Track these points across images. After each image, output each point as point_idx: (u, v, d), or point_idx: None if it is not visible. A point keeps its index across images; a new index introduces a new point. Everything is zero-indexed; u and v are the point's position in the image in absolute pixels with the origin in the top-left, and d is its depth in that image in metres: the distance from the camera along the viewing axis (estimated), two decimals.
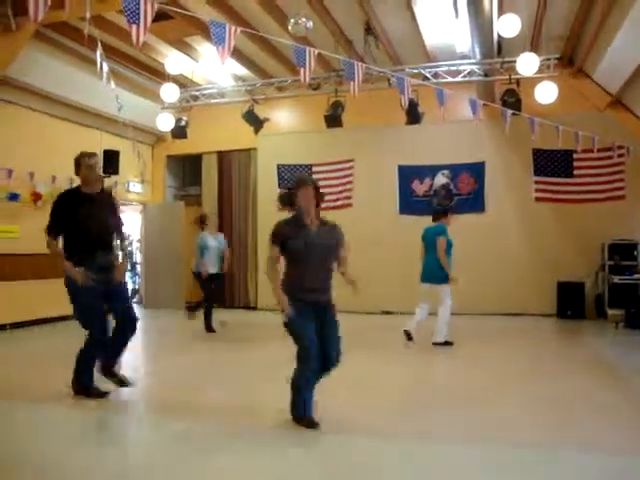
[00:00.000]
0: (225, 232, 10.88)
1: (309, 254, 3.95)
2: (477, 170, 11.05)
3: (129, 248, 5.37)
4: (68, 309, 4.92)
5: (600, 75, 9.96)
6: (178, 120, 11.05)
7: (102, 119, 10.67)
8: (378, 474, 3.35)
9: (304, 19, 7.96)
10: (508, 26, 7.59)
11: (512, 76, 9.10)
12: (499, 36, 8.37)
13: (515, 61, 8.36)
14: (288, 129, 12.24)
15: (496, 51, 9.19)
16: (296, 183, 4.06)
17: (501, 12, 7.85)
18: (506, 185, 10.90)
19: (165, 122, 10.79)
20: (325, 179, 11.82)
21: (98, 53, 5.74)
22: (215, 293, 8.90)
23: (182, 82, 11.12)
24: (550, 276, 10.33)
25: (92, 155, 4.89)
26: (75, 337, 5.00)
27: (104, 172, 11.11)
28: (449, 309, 7.40)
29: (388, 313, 10.69)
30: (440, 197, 11.19)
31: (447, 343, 7.38)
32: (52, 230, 4.80)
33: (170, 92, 9.82)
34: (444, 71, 9.80)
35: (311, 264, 3.97)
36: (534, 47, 9.34)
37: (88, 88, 9.88)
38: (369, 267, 9.50)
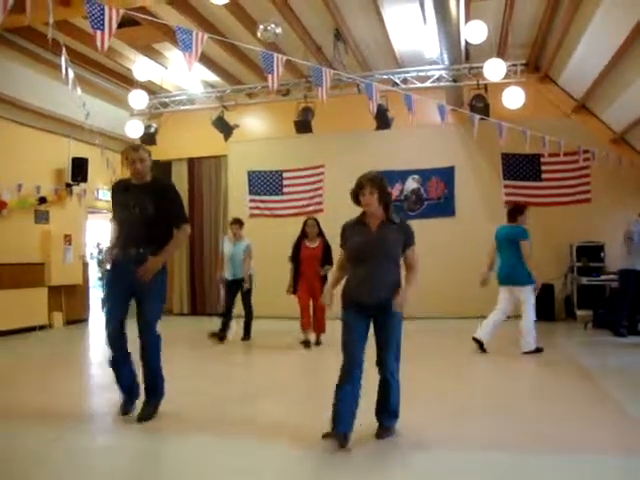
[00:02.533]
0: (196, 239, 10.82)
1: (366, 254, 3.87)
2: (447, 175, 11.16)
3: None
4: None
5: (565, 81, 10.17)
6: (147, 127, 10.95)
7: (70, 126, 10.51)
8: None
9: (273, 25, 7.96)
10: (475, 32, 7.71)
11: (480, 81, 9.22)
12: (467, 42, 8.49)
13: (482, 67, 8.48)
14: (258, 135, 12.22)
15: (464, 57, 9.32)
16: (356, 184, 3.94)
17: (468, 19, 7.96)
18: (476, 189, 11.02)
19: (134, 129, 10.69)
20: (295, 185, 11.86)
21: (63, 59, 5.66)
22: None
23: (151, 89, 11.03)
24: None
25: (135, 148, 4.54)
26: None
27: (72, 180, 11.06)
28: (533, 313, 7.10)
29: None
30: (410, 202, 11.28)
31: (538, 350, 7.03)
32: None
33: (139, 99, 9.74)
34: (413, 77, 9.88)
35: (366, 264, 3.85)
36: (501, 53, 9.46)
37: (55, 95, 9.71)
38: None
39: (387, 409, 3.94)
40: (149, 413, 4.38)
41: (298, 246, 7.82)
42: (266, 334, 8.97)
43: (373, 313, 3.83)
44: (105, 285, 4.61)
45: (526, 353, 6.96)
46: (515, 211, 7.42)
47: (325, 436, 3.72)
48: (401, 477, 3.40)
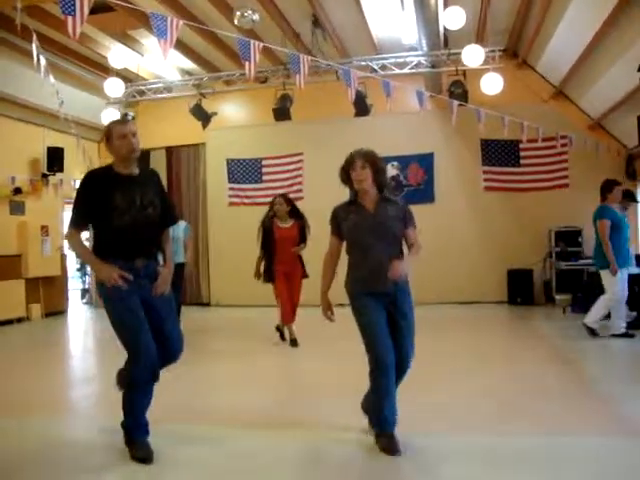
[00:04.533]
0: None
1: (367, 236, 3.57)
2: (426, 161, 11.18)
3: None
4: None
5: (543, 67, 10.22)
6: (124, 115, 10.76)
7: (44, 115, 10.29)
8: None
9: (250, 11, 7.89)
10: (453, 19, 7.70)
11: (458, 68, 9.21)
12: (445, 28, 8.48)
13: (461, 53, 8.47)
14: (237, 123, 12.12)
15: (442, 43, 9.30)
16: (346, 160, 3.66)
17: (446, 5, 7.94)
18: (455, 175, 11.05)
19: (110, 118, 10.46)
20: (275, 172, 11.82)
21: (34, 45, 5.53)
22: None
23: (127, 76, 10.86)
24: (501, 264, 10.56)
25: (125, 121, 3.69)
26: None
27: (48, 169, 10.89)
28: (612, 299, 6.72)
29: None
30: (390, 188, 11.22)
31: (592, 332, 6.88)
32: (76, 221, 3.54)
33: (115, 87, 9.57)
34: (391, 63, 9.84)
35: (369, 247, 3.55)
36: (479, 39, 9.47)
37: (28, 83, 9.49)
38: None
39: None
40: None
41: (270, 229, 7.04)
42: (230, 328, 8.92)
43: (388, 301, 3.53)
44: (115, 310, 3.45)
45: (613, 336, 6.83)
46: (604, 189, 6.93)
47: (377, 442, 3.47)
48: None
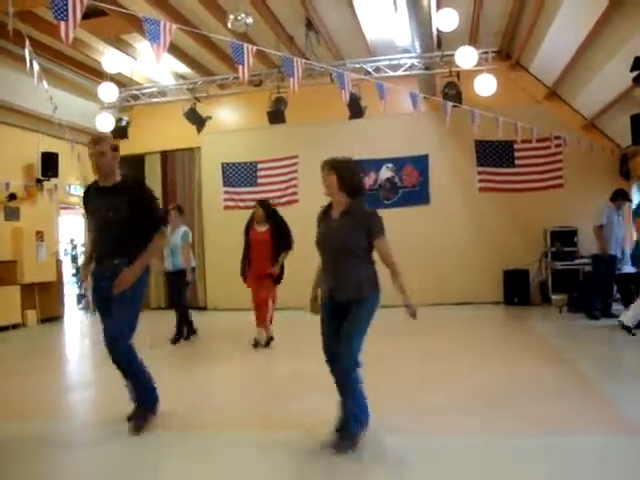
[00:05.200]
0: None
1: (325, 246, 3.66)
2: (421, 163, 11.19)
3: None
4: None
5: (536, 68, 10.26)
6: (118, 120, 10.78)
7: (38, 120, 10.26)
8: None
9: (243, 15, 7.88)
10: (446, 20, 7.72)
11: (452, 69, 9.22)
12: (438, 30, 8.49)
13: (454, 55, 8.49)
14: (232, 127, 12.13)
15: (436, 45, 9.32)
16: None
17: (439, 7, 7.96)
18: (450, 177, 11.07)
19: (105, 122, 10.49)
20: (270, 176, 11.83)
21: (27, 51, 5.52)
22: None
23: (121, 81, 10.85)
24: (496, 265, 10.58)
25: (97, 141, 4.06)
26: None
27: (43, 175, 10.86)
28: None
29: None
30: (385, 190, 11.31)
31: (629, 330, 6.97)
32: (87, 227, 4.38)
33: (109, 91, 9.56)
34: (385, 65, 9.85)
35: (327, 257, 3.66)
36: (473, 41, 9.51)
37: (22, 88, 9.47)
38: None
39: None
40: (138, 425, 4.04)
41: (247, 231, 7.30)
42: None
43: (343, 309, 3.58)
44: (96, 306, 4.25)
45: (620, 323, 7.09)
46: None
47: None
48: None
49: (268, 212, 7.23)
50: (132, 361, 4.06)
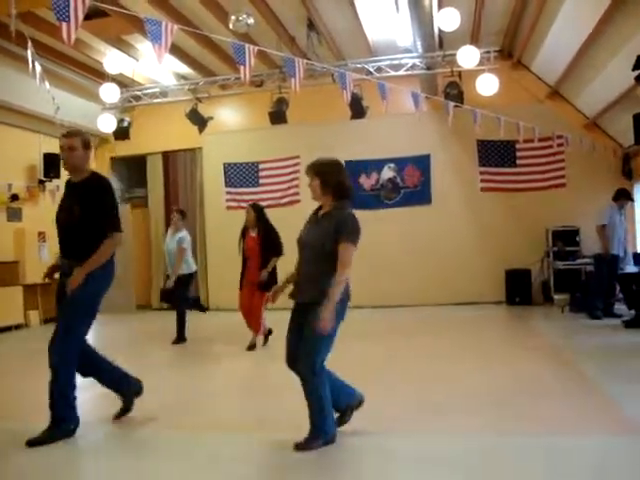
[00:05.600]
0: None
1: (300, 245, 3.67)
2: (423, 162, 11.19)
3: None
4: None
5: (538, 67, 10.24)
6: (120, 121, 10.80)
7: (40, 121, 10.28)
8: None
9: (245, 15, 7.89)
10: (448, 20, 7.70)
11: (454, 69, 9.22)
12: (440, 30, 8.49)
13: (456, 54, 8.48)
14: (233, 127, 12.14)
15: (437, 45, 9.31)
16: None
17: (441, 6, 7.95)
18: (452, 177, 11.06)
19: (106, 123, 10.52)
20: (272, 176, 11.84)
21: (29, 52, 5.52)
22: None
23: (123, 82, 10.85)
24: (498, 264, 10.56)
25: (68, 135, 3.99)
26: None
27: (45, 176, 10.87)
28: None
29: None
30: (387, 191, 11.30)
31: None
32: None
33: (110, 92, 9.57)
34: (387, 65, 9.84)
35: (300, 256, 3.67)
36: (474, 40, 9.50)
37: (24, 89, 9.50)
38: None
39: None
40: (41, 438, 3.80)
41: (242, 237, 7.19)
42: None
43: (305, 311, 3.51)
44: None
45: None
46: None
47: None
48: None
49: (258, 216, 7.08)
50: (61, 368, 3.94)
